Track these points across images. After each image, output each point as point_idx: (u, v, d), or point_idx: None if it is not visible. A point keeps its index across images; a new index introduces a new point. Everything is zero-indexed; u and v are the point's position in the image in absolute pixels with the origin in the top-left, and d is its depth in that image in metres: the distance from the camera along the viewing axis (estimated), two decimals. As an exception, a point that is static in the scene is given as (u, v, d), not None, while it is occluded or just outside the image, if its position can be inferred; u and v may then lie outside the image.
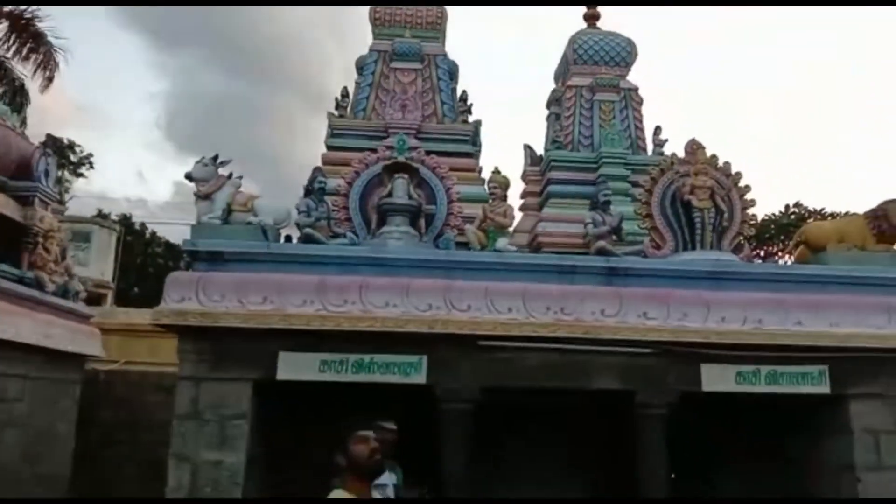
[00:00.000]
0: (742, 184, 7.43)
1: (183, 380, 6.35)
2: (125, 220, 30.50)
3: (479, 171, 10.65)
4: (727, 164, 7.42)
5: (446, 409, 6.43)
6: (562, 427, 7.72)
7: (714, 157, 7.40)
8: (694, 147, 7.34)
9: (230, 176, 7.07)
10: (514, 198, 11.66)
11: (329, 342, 6.35)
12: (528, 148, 11.71)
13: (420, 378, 6.41)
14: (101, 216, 27.14)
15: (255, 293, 6.35)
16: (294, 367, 6.37)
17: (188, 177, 6.81)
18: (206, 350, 6.37)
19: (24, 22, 12.32)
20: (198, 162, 6.87)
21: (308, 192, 7.26)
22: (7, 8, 12.17)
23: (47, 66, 12.56)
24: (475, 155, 10.86)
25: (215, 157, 6.91)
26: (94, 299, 15.72)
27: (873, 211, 7.30)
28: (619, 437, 7.27)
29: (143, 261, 30.17)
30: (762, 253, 22.65)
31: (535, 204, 11.19)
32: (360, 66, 11.14)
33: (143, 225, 32.07)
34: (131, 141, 67.24)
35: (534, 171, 11.43)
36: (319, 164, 9.95)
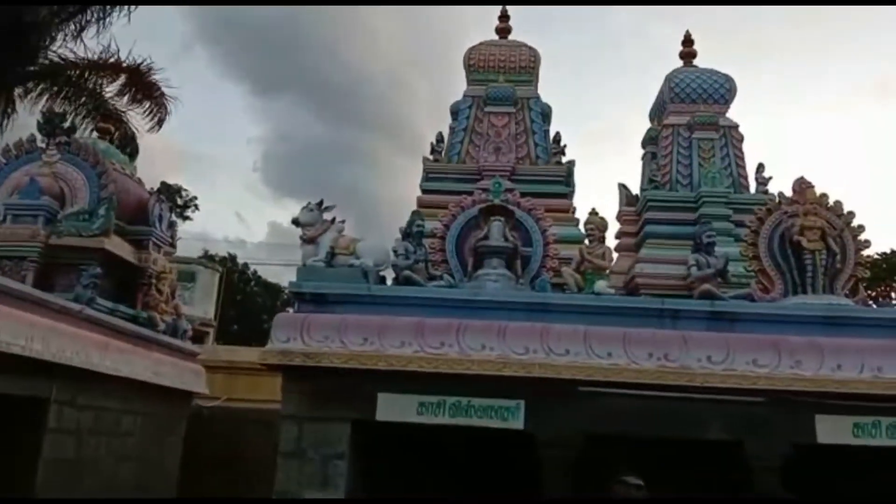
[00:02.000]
0: (855, 223, 7.07)
1: (286, 418, 6.53)
2: (227, 261, 31.96)
3: (574, 212, 10.58)
4: (838, 203, 7.09)
5: (547, 455, 6.32)
6: (669, 476, 7.45)
7: (824, 195, 7.09)
8: (803, 186, 7.06)
9: (333, 220, 7.33)
10: (609, 238, 11.54)
11: (427, 384, 6.40)
12: (623, 187, 11.54)
13: (518, 424, 6.35)
14: (207, 257, 28.55)
15: (356, 334, 6.50)
16: (393, 408, 6.44)
17: (295, 222, 7.11)
18: (308, 389, 6.55)
19: (140, 75, 13.36)
20: (304, 207, 7.16)
21: (406, 235, 7.41)
22: (125, 62, 13.21)
23: (158, 113, 13.54)
24: (569, 196, 10.81)
25: (320, 203, 7.19)
26: (198, 337, 16.43)
27: None
28: (730, 488, 6.94)
29: (243, 299, 31.43)
30: (875, 294, 21.31)
31: (630, 245, 10.98)
32: (455, 111, 11.37)
33: (244, 265, 33.51)
34: (231, 184, 70.86)
35: (629, 212, 11.24)
36: (414, 205, 10.18)
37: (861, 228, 7.08)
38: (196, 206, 32.66)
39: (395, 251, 7.37)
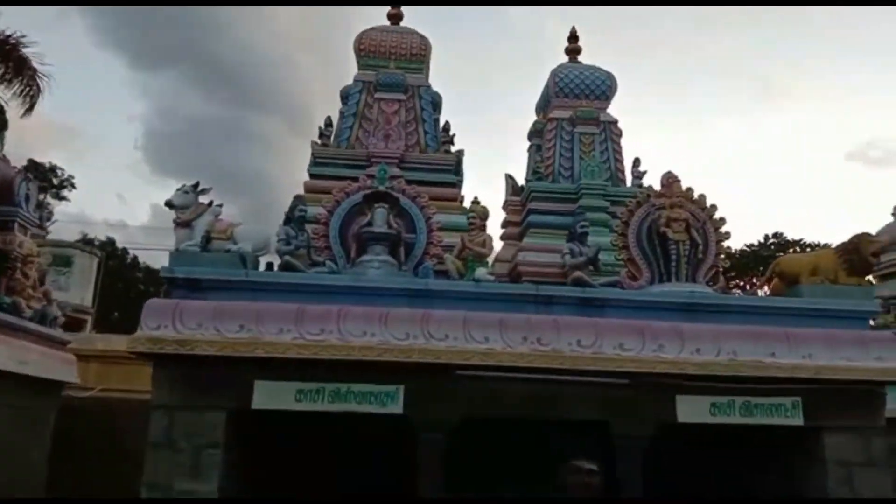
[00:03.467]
0: (717, 216, 7.55)
1: (156, 408, 6.30)
2: (107, 245, 30.35)
3: (461, 201, 10.76)
4: (702, 196, 7.55)
5: (424, 439, 6.42)
6: (541, 456, 7.72)
7: (689, 189, 7.53)
8: (669, 180, 7.47)
9: (210, 203, 7.11)
10: (496, 227, 11.81)
11: (306, 371, 6.34)
12: (509, 178, 11.84)
13: (397, 408, 6.40)
14: (84, 241, 26.99)
15: (232, 321, 6.34)
16: (270, 396, 6.34)
17: (168, 204, 6.85)
18: (180, 378, 6.33)
19: (8, 48, 12.34)
20: (178, 189, 6.92)
21: (288, 220, 7.30)
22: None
23: (30, 91, 12.54)
24: (457, 185, 10.98)
25: (196, 185, 6.96)
26: (74, 325, 15.59)
27: (845, 245, 7.44)
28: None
29: (124, 286, 29.97)
30: (742, 283, 22.86)
31: (515, 234, 11.29)
32: (345, 95, 11.28)
33: (124, 250, 31.93)
34: (111, 163, 67.05)
35: (515, 201, 11.55)
36: (301, 191, 10.04)
37: (722, 221, 7.56)
38: (73, 186, 30.79)
39: (277, 236, 7.24)
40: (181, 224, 6.79)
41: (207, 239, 6.73)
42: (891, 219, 14.47)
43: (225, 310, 6.38)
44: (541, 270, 9.64)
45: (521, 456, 7.82)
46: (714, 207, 7.57)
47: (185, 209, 6.84)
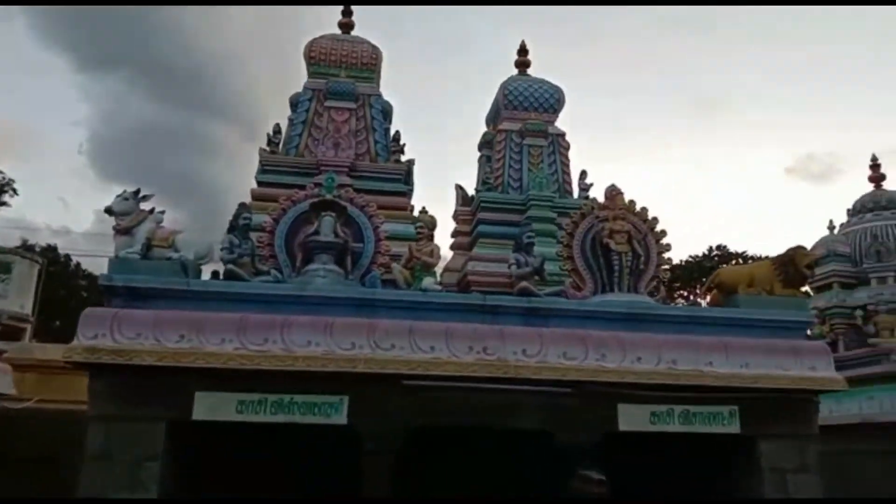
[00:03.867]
0: (658, 228, 7.73)
1: (93, 420, 6.15)
2: (49, 251, 29.45)
3: (411, 210, 10.75)
4: (644, 209, 7.72)
5: (368, 449, 6.39)
6: (487, 464, 7.76)
7: (632, 202, 7.70)
8: (613, 193, 7.62)
9: (152, 210, 6.98)
10: (446, 237, 11.86)
11: (248, 382, 6.26)
12: (459, 188, 11.90)
13: (341, 419, 6.37)
14: (25, 247, 26.14)
15: (173, 331, 6.23)
16: (210, 407, 6.24)
17: (108, 210, 6.70)
18: (118, 389, 6.19)
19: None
20: (118, 196, 6.78)
21: (232, 227, 7.20)
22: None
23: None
24: (407, 194, 10.98)
25: (137, 192, 6.83)
26: (13, 333, 15.12)
27: (781, 257, 7.69)
28: (544, 474, 7.36)
29: (67, 293, 29.09)
30: (686, 294, 23.38)
31: (465, 244, 11.34)
32: (294, 102, 11.20)
33: (67, 256, 31.01)
34: (54, 168, 65.09)
35: (465, 212, 11.61)
36: (249, 199, 9.93)
37: (663, 233, 7.74)
38: (14, 191, 29.77)
39: (221, 245, 7.14)
40: (121, 231, 6.64)
41: (148, 246, 6.60)
42: (827, 232, 15.03)
43: (165, 319, 6.27)
44: (490, 280, 9.70)
45: (468, 466, 7.86)
46: (655, 220, 7.75)
47: (125, 216, 6.69)
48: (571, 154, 11.64)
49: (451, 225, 11.92)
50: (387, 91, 11.80)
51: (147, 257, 6.58)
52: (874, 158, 15.25)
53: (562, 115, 11.94)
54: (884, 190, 15.00)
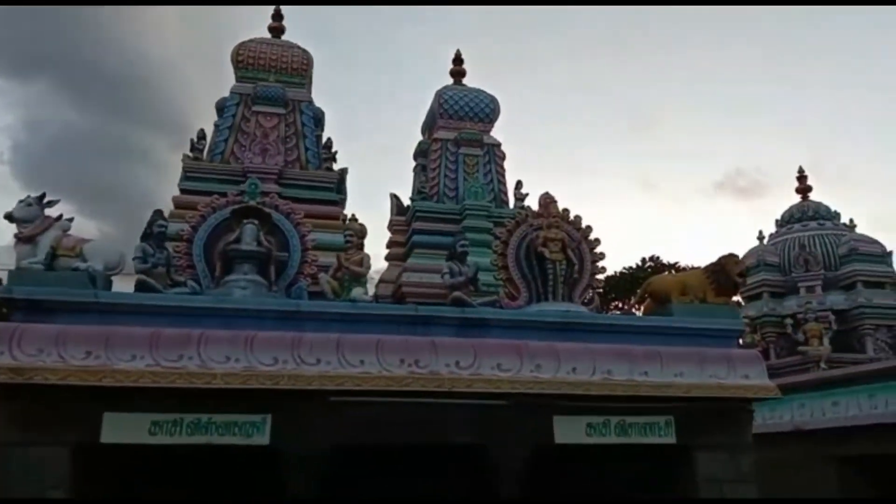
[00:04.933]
0: (592, 237, 7.63)
1: (-10, 445, 5.60)
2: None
3: (344, 220, 10.44)
4: (578, 217, 7.62)
5: (292, 470, 6.02)
6: (424, 483, 7.47)
7: (566, 210, 7.59)
8: (547, 201, 7.50)
9: (60, 217, 6.49)
10: (381, 247, 11.58)
11: (162, 401, 5.82)
12: (394, 197, 11.67)
13: (263, 439, 5.98)
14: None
15: (79, 347, 5.76)
16: (121, 428, 5.78)
17: (8, 217, 6.18)
18: (17, 411, 5.67)
19: None
20: (21, 201, 6.27)
21: (147, 235, 6.75)
22: None
23: None
24: (340, 203, 10.68)
25: (41, 196, 6.33)
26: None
27: (712, 265, 7.68)
28: (476, 491, 7.11)
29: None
30: (620, 305, 23.64)
31: (400, 254, 11.11)
32: (220, 107, 10.78)
33: (-13, 272, 29.37)
34: (-28, 177, 61.82)
35: (400, 221, 11.38)
36: (171, 207, 9.45)
37: (597, 241, 7.66)
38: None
39: (134, 254, 6.69)
40: (23, 239, 6.13)
41: (53, 256, 6.11)
42: (757, 242, 15.39)
43: (70, 334, 5.79)
44: (425, 291, 9.49)
45: (398, 486, 7.55)
46: (589, 228, 7.66)
47: (28, 223, 6.18)
48: (507, 164, 11.56)
49: (387, 235, 11.69)
50: (319, 98, 11.51)
51: (51, 267, 6.09)
52: (801, 170, 15.73)
53: (497, 125, 11.87)
54: (810, 201, 15.47)
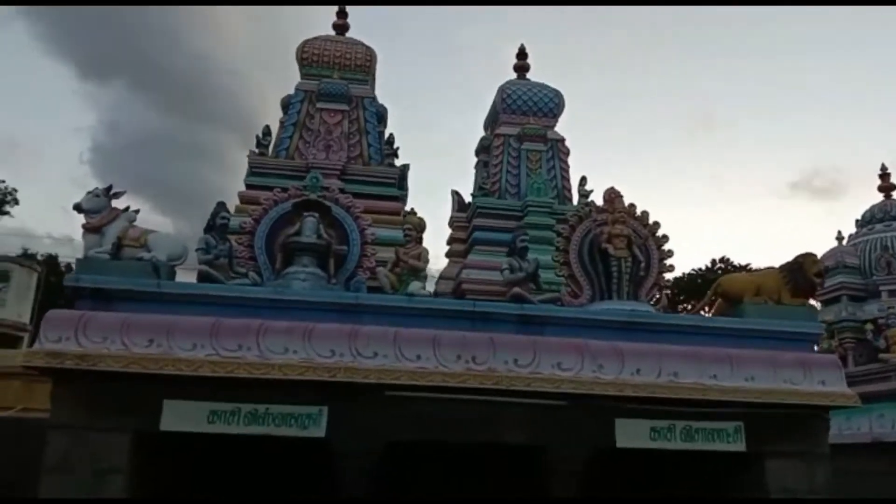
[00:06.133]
0: (660, 233, 7.34)
1: (54, 429, 5.76)
2: (50, 261, 29.22)
3: (405, 215, 10.40)
4: (645, 213, 7.33)
5: (346, 464, 5.98)
6: (476, 482, 7.34)
7: (632, 206, 7.32)
8: (612, 196, 7.24)
9: (127, 208, 6.64)
10: (442, 244, 11.49)
11: (220, 390, 5.87)
12: (455, 194, 11.55)
13: (319, 431, 5.96)
14: (26, 255, 25.92)
15: (141, 335, 5.86)
16: (180, 416, 5.85)
17: (77, 208, 6.36)
18: (82, 396, 5.81)
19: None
20: (89, 192, 6.43)
21: (210, 227, 6.84)
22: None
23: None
24: (401, 199, 10.65)
25: (108, 188, 6.49)
26: (10, 342, 15.00)
27: (789, 264, 7.28)
28: (533, 491, 6.93)
29: (66, 303, 28.78)
30: (689, 307, 22.91)
31: (461, 250, 10.98)
32: (285, 105, 10.90)
33: (68, 266, 30.75)
34: (56, 176, 64.93)
35: (461, 218, 11.25)
36: (238, 203, 9.59)
37: (665, 238, 7.35)
38: (16, 200, 29.59)
39: (198, 245, 6.78)
40: (90, 229, 6.28)
41: (118, 246, 6.24)
42: (835, 244, 14.61)
43: (133, 323, 5.89)
44: (485, 288, 9.32)
45: (456, 481, 7.44)
46: (657, 224, 7.36)
47: (95, 213, 6.34)
48: (571, 160, 11.29)
49: (448, 232, 11.59)
50: (382, 95, 11.52)
51: (117, 257, 6.22)
52: (883, 167, 14.86)
53: (562, 120, 11.61)
54: (894, 200, 14.59)
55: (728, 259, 26.06)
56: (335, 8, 12.11)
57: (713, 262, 26.16)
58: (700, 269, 25.46)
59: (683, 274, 24.35)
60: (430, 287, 11.06)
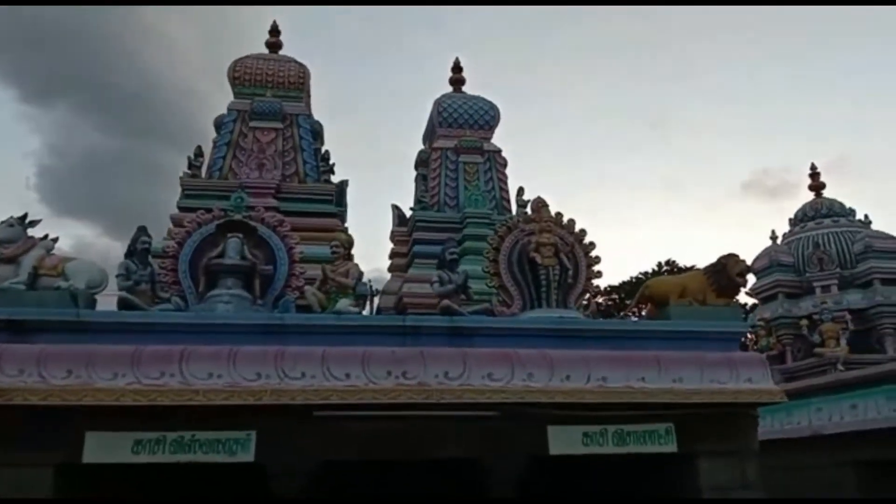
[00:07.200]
0: (587, 240, 7.45)
1: (-32, 468, 5.56)
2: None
3: (345, 232, 10.36)
4: (571, 221, 7.43)
5: (278, 487, 5.90)
6: (417, 496, 7.31)
7: (559, 214, 7.41)
8: (539, 204, 7.33)
9: (45, 237, 6.49)
10: (384, 259, 11.48)
11: (144, 419, 5.74)
12: (395, 208, 11.57)
13: (248, 456, 5.87)
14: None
15: (60, 366, 5.71)
16: (103, 448, 5.71)
17: (-12, 238, 6.18)
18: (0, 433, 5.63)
19: None
20: (2, 222, 6.26)
21: (130, 253, 6.71)
22: None
23: None
24: (339, 215, 10.60)
25: (23, 217, 6.34)
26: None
27: (712, 266, 7.44)
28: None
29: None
30: (620, 315, 23.31)
31: (402, 264, 10.99)
32: (218, 124, 10.79)
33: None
34: (3, 202, 62.89)
35: (401, 232, 11.28)
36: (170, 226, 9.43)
37: (592, 245, 7.45)
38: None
39: (118, 271, 6.64)
40: (4, 260, 6.12)
41: (34, 276, 6.09)
42: (769, 243, 15.01)
43: (50, 354, 5.75)
44: (426, 301, 9.31)
45: (398, 495, 7.41)
46: (583, 232, 7.46)
47: (10, 243, 6.17)
48: (519, 170, 11.45)
49: (390, 246, 11.59)
50: (318, 110, 11.51)
51: (33, 287, 6.06)
52: (813, 167, 15.33)
53: (503, 130, 11.75)
54: (824, 198, 15.06)
55: (674, 261, 26.54)
56: (269, 26, 12.06)
57: (659, 264, 26.63)
58: (646, 273, 25.88)
59: (631, 277, 24.77)
60: (377, 302, 11.04)
